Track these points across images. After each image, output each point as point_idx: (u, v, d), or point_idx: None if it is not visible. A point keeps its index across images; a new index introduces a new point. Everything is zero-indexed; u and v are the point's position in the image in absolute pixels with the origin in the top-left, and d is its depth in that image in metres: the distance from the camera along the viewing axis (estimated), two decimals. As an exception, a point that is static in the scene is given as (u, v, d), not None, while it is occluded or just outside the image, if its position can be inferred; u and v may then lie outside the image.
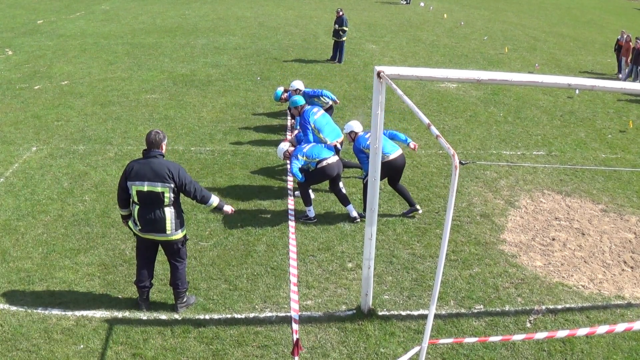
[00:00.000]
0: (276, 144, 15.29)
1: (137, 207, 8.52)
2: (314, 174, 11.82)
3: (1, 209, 12.23)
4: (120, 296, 9.45)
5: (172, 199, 8.47)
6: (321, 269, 10.23)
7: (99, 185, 13.20)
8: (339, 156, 12.37)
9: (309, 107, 13.13)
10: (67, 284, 9.78)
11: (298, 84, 15.66)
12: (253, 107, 18.92)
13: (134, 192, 8.46)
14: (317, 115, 12.83)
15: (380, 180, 10.74)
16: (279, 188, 13.17)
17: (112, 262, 10.40)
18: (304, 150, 11.78)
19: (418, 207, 12.22)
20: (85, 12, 40.31)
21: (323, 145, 12.15)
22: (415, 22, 37.69)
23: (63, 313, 9.09)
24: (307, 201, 11.80)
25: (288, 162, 12.55)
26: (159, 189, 8.34)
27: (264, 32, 32.10)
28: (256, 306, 9.25)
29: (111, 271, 10.13)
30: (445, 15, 39.72)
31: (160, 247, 8.94)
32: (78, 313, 9.08)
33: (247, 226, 11.53)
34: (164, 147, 8.67)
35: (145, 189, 8.36)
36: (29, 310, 9.17)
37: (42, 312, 9.14)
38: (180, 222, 8.68)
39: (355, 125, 12.15)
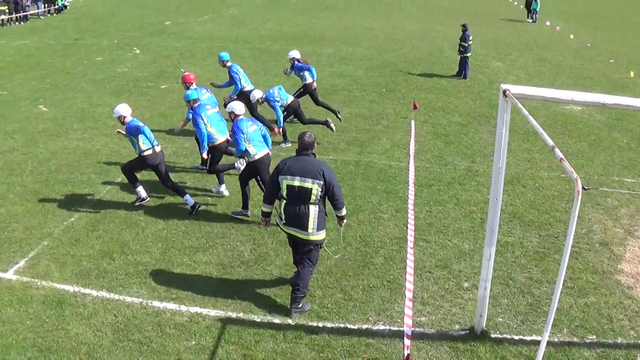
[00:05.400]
0: (400, 158, 15.48)
1: (285, 202, 9.19)
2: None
3: (124, 204, 13.01)
4: (235, 297, 9.83)
5: (319, 197, 9.06)
6: (437, 286, 10.29)
7: (221, 186, 13.70)
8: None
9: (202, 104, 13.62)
10: (184, 281, 10.28)
11: (295, 54, 18.62)
12: (377, 119, 19.12)
13: (284, 187, 9.11)
14: (209, 111, 13.31)
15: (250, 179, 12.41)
16: (400, 201, 13.28)
17: (230, 262, 10.85)
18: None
19: (249, 213, 12.54)
20: (213, 15, 41.71)
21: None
22: (541, 41, 36.96)
23: (178, 308, 9.57)
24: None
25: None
26: (309, 185, 8.97)
27: (390, 44, 32.31)
28: (370, 318, 9.41)
29: (228, 271, 10.57)
30: (571, 36, 38.78)
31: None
32: (192, 309, 9.53)
33: (366, 238, 11.73)
34: (315, 147, 9.35)
35: (296, 183, 9.02)
36: (144, 303, 9.72)
37: (157, 305, 9.66)
38: (322, 223, 9.25)
39: (237, 107, 12.42)
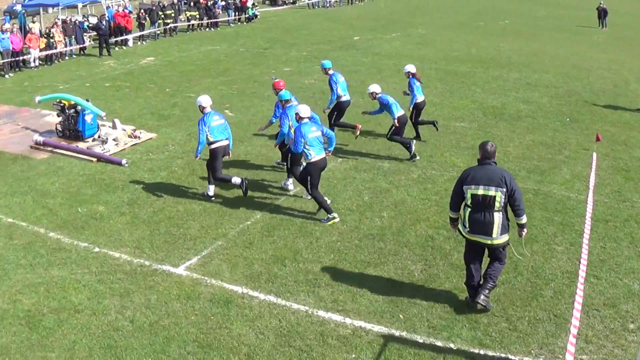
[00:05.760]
0: (579, 190, 15.10)
1: (469, 210, 9.58)
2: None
3: (301, 212, 13.58)
4: (401, 315, 9.96)
5: (503, 204, 9.38)
6: (602, 325, 9.94)
7: (398, 204, 13.93)
8: None
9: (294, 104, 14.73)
10: (352, 293, 10.53)
11: (411, 68, 18.36)
12: (559, 148, 18.61)
13: (468, 196, 9.54)
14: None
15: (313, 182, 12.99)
16: (575, 235, 12.89)
17: (399, 280, 11.01)
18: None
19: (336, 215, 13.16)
20: (402, 34, 42.06)
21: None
22: None
23: (342, 320, 9.81)
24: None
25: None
26: (493, 193, 9.33)
27: (576, 72, 31.24)
28: (532, 351, 9.26)
29: (397, 289, 10.72)
30: None
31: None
32: (357, 323, 9.75)
33: (538, 269, 11.51)
34: (496, 156, 9.72)
35: (480, 192, 9.43)
36: (310, 311, 10.05)
37: (322, 315, 9.95)
38: (506, 228, 9.57)
39: (302, 110, 13.26)
